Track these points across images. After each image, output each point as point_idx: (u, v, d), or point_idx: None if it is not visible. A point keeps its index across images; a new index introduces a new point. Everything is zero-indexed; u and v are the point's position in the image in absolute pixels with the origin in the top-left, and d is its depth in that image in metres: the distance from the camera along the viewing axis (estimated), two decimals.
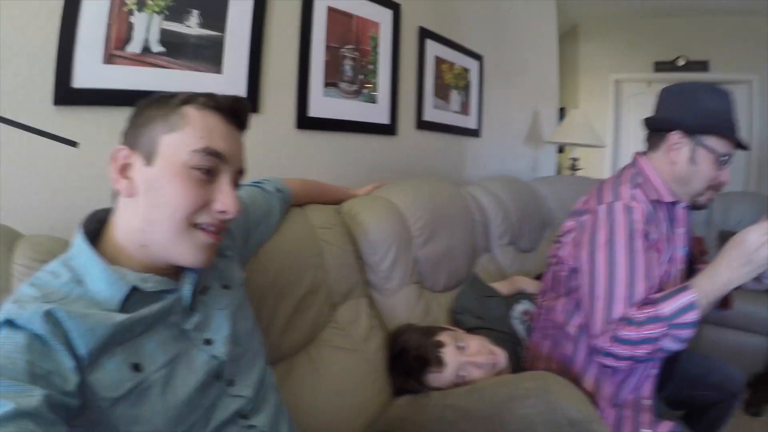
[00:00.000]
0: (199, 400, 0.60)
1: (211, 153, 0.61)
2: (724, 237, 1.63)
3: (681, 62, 4.09)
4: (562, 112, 3.52)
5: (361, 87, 1.63)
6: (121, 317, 0.55)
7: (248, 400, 0.67)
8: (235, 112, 0.65)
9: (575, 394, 0.88)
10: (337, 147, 1.58)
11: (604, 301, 0.96)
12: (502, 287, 1.54)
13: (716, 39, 3.90)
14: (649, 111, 1.16)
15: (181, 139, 0.60)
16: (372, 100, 1.69)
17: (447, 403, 0.98)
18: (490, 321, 1.35)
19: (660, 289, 0.99)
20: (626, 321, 0.93)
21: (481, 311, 1.38)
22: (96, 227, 0.63)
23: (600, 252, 0.99)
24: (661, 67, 4.22)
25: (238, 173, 0.66)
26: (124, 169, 0.61)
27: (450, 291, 1.46)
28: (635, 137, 4.58)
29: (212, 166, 0.61)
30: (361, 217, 1.28)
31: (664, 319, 0.89)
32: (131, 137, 0.62)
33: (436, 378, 1.08)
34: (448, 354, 1.09)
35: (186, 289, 0.64)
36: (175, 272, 0.65)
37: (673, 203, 1.08)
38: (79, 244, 0.60)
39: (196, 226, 0.61)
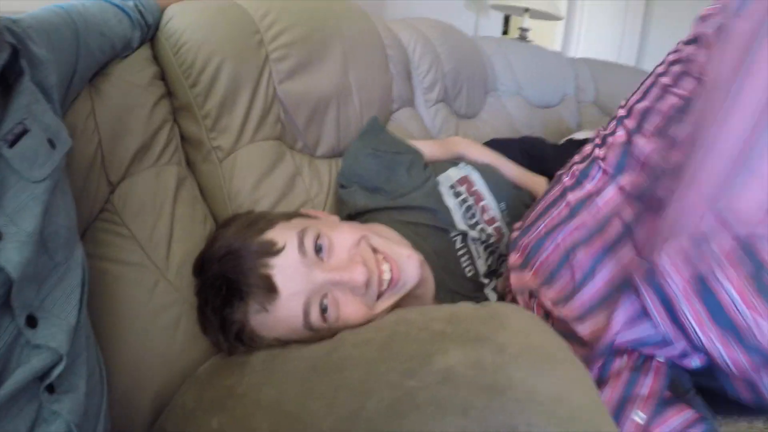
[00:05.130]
0: None
1: None
2: None
3: None
4: None
5: None
6: None
7: (57, 356, 0.39)
8: None
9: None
10: None
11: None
12: (428, 148, 1.00)
13: None
14: None
15: None
16: None
17: (263, 398, 0.47)
18: (398, 195, 0.81)
19: None
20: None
21: (380, 177, 0.84)
22: None
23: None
24: None
25: None
26: None
27: (341, 157, 0.95)
28: (590, 15, 4.09)
29: None
30: (173, 23, 0.72)
31: None
32: None
33: (262, 322, 0.55)
34: (285, 266, 0.54)
35: None
36: None
37: None
38: None
39: None
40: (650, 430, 0.52)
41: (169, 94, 0.73)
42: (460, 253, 0.82)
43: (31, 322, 0.38)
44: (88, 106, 0.59)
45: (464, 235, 0.83)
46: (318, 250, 0.57)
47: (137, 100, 0.66)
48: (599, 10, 3.95)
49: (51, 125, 0.44)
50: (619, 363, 0.55)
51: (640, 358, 0.55)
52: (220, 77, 0.72)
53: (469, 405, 0.38)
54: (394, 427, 0.38)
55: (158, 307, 0.58)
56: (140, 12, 0.68)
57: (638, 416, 0.52)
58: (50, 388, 0.39)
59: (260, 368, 0.51)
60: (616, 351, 0.56)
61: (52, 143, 0.43)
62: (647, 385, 0.54)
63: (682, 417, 0.52)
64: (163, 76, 0.72)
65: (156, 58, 0.73)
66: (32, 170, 0.39)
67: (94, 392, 0.45)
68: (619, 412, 0.54)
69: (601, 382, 0.55)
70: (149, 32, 0.71)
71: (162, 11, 0.73)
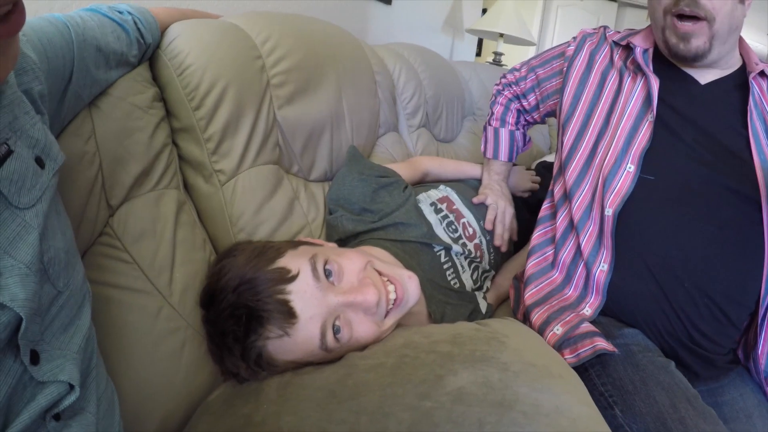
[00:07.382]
0: None
1: None
2: None
3: None
4: (483, 12, 3.00)
5: None
6: None
7: (65, 389, 0.37)
8: None
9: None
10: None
11: None
12: (401, 171, 1.03)
13: None
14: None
15: None
16: None
17: (284, 425, 0.48)
18: (383, 215, 0.85)
19: None
20: None
21: (366, 199, 0.87)
22: None
23: None
24: None
25: None
26: None
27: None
28: (559, 40, 4.31)
29: None
30: (177, 43, 0.72)
31: None
32: None
33: (280, 347, 0.57)
34: (302, 292, 0.57)
35: None
36: None
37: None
38: None
39: None
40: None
41: (168, 114, 0.73)
42: (446, 266, 0.86)
43: (34, 357, 0.36)
44: (89, 128, 0.58)
45: (447, 249, 0.88)
46: (328, 274, 0.60)
47: (139, 123, 0.65)
48: (569, 36, 4.16)
49: (39, 139, 0.40)
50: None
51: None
52: (224, 101, 0.73)
53: (483, 421, 0.42)
54: None
55: (163, 333, 0.58)
56: (139, 30, 0.66)
57: (557, 330, 0.73)
58: (56, 416, 0.38)
59: (275, 396, 0.51)
60: None
61: (40, 162, 0.40)
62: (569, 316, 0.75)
63: (591, 347, 0.68)
64: (162, 97, 0.72)
65: (155, 78, 0.72)
66: (20, 195, 0.36)
67: (106, 414, 0.43)
68: (545, 325, 0.76)
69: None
70: (148, 51, 0.70)
71: (161, 30, 0.72)
